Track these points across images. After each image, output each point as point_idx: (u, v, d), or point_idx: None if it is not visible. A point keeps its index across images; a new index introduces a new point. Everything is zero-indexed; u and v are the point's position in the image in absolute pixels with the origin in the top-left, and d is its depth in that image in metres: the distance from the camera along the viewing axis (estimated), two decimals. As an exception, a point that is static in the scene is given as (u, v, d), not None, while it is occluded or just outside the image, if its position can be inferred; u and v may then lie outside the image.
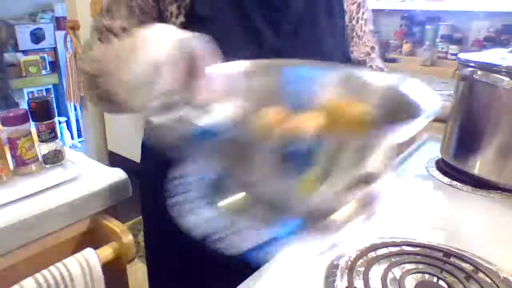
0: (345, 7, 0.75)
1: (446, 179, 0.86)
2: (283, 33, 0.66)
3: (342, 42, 0.75)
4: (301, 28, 0.68)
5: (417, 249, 0.59)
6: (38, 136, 0.84)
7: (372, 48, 0.81)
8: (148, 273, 0.88)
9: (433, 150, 0.99)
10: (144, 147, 0.82)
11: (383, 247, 0.59)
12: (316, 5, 0.70)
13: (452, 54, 2.10)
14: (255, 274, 0.57)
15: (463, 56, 0.91)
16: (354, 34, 0.79)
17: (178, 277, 0.78)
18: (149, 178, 0.78)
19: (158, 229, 0.79)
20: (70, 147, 3.45)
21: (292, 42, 0.67)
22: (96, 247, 0.76)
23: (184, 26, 0.62)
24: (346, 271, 0.54)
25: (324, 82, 0.48)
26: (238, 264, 0.59)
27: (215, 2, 0.63)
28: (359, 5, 0.78)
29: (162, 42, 0.45)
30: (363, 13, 0.80)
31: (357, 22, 0.79)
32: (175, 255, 0.76)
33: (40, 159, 0.85)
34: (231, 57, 0.62)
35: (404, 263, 0.55)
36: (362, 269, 0.54)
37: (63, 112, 3.63)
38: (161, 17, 0.64)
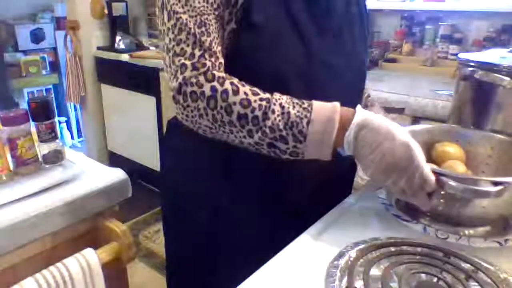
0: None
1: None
2: (327, 36, 0.69)
3: (367, 45, 0.81)
4: (342, 30, 0.72)
5: (417, 249, 0.59)
6: (38, 136, 0.84)
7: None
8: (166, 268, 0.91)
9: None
10: (165, 151, 0.85)
11: (383, 247, 0.59)
12: (352, 13, 0.74)
13: (452, 54, 2.10)
14: (256, 274, 0.57)
15: (463, 56, 0.91)
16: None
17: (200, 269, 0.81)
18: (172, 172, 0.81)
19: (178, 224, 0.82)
20: (70, 147, 3.45)
21: (334, 44, 0.71)
22: (96, 247, 0.76)
23: (235, 32, 0.64)
24: (346, 271, 0.54)
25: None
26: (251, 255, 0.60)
27: (267, 9, 0.64)
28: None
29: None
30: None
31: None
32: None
33: (40, 159, 0.85)
34: (280, 60, 0.65)
35: (404, 263, 0.55)
36: (362, 269, 0.54)
37: (63, 112, 3.64)
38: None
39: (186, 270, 0.84)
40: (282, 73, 0.65)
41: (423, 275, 0.54)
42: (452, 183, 0.59)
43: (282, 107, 0.59)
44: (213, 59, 0.62)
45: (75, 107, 3.46)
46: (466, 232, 0.65)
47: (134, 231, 2.25)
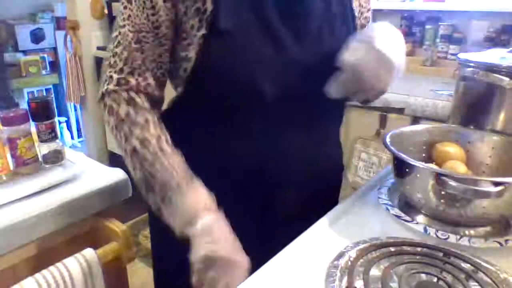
0: (356, 13, 0.77)
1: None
2: (305, 38, 0.67)
3: None
4: (322, 32, 0.69)
5: (417, 249, 0.59)
6: (38, 136, 0.84)
7: None
8: (153, 270, 0.89)
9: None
10: None
11: (383, 247, 0.59)
12: (333, 13, 0.71)
13: (452, 54, 2.10)
14: (256, 274, 0.57)
15: (463, 56, 0.91)
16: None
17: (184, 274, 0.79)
18: None
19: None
20: (70, 147, 3.45)
21: (313, 47, 0.68)
22: (96, 247, 0.76)
23: (206, 38, 0.63)
24: (346, 271, 0.54)
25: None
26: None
27: (239, 14, 0.63)
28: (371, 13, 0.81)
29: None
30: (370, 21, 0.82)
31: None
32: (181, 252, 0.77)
33: (40, 159, 0.85)
34: (253, 66, 0.63)
35: (404, 263, 0.55)
36: (362, 269, 0.54)
37: (63, 112, 3.64)
38: (177, 33, 0.65)
39: (172, 269, 0.83)
40: (255, 79, 0.64)
41: (423, 275, 0.54)
42: (452, 183, 0.59)
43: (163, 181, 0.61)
44: (140, 79, 0.64)
45: (75, 107, 3.45)
46: (467, 232, 0.65)
47: (134, 231, 2.25)
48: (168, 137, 0.64)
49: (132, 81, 0.64)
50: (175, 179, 0.61)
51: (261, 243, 0.67)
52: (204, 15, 0.63)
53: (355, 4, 0.76)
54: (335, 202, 0.88)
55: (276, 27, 0.65)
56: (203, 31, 0.63)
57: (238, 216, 0.65)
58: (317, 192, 0.78)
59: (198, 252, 0.58)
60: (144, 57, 0.64)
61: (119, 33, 0.64)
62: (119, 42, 0.64)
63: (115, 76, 0.64)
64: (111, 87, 0.64)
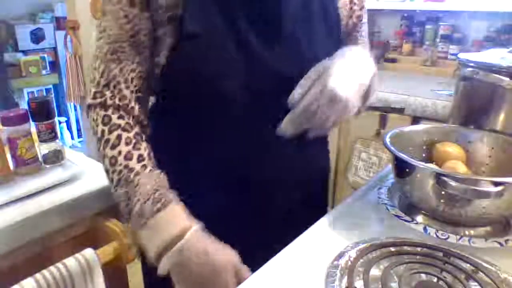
0: (343, 13, 0.74)
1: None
2: (277, 43, 0.65)
3: (338, 45, 0.72)
4: (296, 35, 0.67)
5: (417, 249, 0.59)
6: (38, 136, 0.84)
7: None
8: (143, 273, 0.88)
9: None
10: None
11: (383, 247, 0.59)
12: (311, 16, 0.69)
13: (452, 54, 2.10)
14: (256, 273, 0.57)
15: (463, 56, 0.91)
16: (357, 42, 0.79)
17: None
18: None
19: None
20: (70, 147, 3.45)
21: (287, 55, 0.66)
22: (96, 247, 0.76)
23: (174, 42, 0.63)
24: (346, 271, 0.54)
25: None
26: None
27: (206, 18, 0.62)
28: (364, 11, 0.79)
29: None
30: (364, 20, 0.79)
31: (360, 28, 0.79)
32: None
33: (40, 159, 0.85)
34: (220, 72, 0.63)
35: (404, 263, 0.55)
36: (362, 269, 0.54)
37: (63, 112, 3.63)
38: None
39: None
40: (223, 85, 0.64)
41: (423, 275, 0.54)
42: (452, 183, 0.59)
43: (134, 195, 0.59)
44: (115, 91, 0.63)
45: (75, 107, 3.45)
46: (467, 232, 0.65)
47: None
48: (143, 152, 0.62)
49: (107, 93, 0.63)
50: (139, 201, 0.59)
51: (258, 243, 0.67)
52: (176, 22, 0.62)
53: (341, 3, 0.74)
54: (324, 203, 0.88)
55: (245, 32, 0.63)
56: (174, 36, 0.63)
57: (230, 217, 0.65)
58: (304, 192, 0.77)
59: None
60: (121, 67, 0.63)
61: (96, 47, 0.64)
62: (96, 56, 0.64)
63: (93, 90, 0.64)
64: (91, 101, 0.64)
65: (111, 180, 0.61)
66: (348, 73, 0.61)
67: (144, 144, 0.63)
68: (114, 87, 0.63)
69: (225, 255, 0.59)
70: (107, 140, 0.61)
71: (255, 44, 0.64)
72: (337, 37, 0.74)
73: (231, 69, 0.64)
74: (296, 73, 0.62)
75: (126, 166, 0.60)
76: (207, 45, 0.62)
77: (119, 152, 0.60)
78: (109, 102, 0.63)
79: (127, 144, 0.61)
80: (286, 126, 0.61)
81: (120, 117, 0.63)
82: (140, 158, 0.61)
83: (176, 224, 0.58)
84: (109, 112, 0.63)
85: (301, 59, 0.65)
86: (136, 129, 0.64)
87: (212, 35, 0.62)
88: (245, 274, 0.58)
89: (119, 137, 0.61)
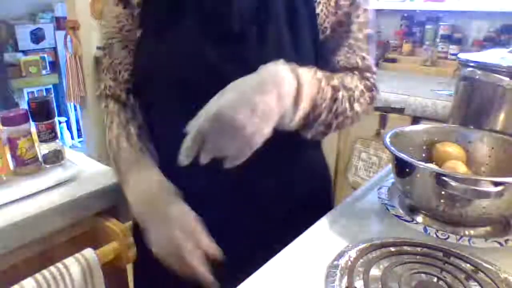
0: (323, 10, 0.68)
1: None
2: (226, 45, 0.63)
3: (309, 62, 0.65)
4: (248, 35, 0.64)
5: (417, 249, 0.59)
6: (38, 136, 0.84)
7: (363, 58, 0.71)
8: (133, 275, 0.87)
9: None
10: None
11: (383, 247, 0.59)
12: (271, 16, 0.64)
13: (452, 54, 2.10)
14: (256, 273, 0.57)
15: (463, 56, 0.91)
16: (345, 42, 0.71)
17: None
18: None
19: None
20: (70, 147, 3.45)
21: (236, 55, 0.63)
22: (96, 247, 0.76)
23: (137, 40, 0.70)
24: (346, 271, 0.54)
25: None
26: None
27: (157, 16, 0.67)
28: (356, 7, 0.69)
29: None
30: (357, 16, 0.70)
31: (349, 26, 0.70)
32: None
33: (40, 159, 0.85)
34: (183, 83, 0.65)
35: (404, 263, 0.55)
36: (362, 269, 0.54)
37: (63, 112, 3.64)
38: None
39: (152, 270, 0.77)
40: (169, 82, 0.67)
41: (423, 275, 0.54)
42: (453, 183, 0.59)
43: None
44: (106, 82, 0.74)
45: (75, 107, 3.45)
46: (467, 232, 0.65)
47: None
48: (132, 131, 0.72)
49: (101, 85, 0.75)
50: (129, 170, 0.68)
51: (258, 243, 0.66)
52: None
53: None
54: (326, 204, 0.87)
55: (193, 30, 0.63)
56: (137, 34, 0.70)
57: (230, 217, 0.65)
58: (304, 193, 0.77)
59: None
60: (111, 61, 0.73)
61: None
62: (104, 54, 0.75)
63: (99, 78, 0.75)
64: (97, 93, 0.77)
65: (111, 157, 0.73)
66: (241, 92, 0.53)
67: (132, 128, 0.72)
68: (106, 79, 0.74)
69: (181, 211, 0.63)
70: (107, 126, 0.74)
71: (202, 42, 0.63)
72: (309, 37, 0.68)
73: (175, 67, 0.66)
74: (240, 75, 0.56)
75: (117, 146, 0.71)
76: (153, 42, 0.67)
77: (113, 136, 0.72)
78: (103, 93, 0.75)
79: (118, 127, 0.72)
80: (182, 157, 0.55)
81: (115, 103, 0.74)
82: (130, 136, 0.71)
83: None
84: (109, 101, 0.75)
85: (251, 60, 0.60)
86: (127, 114, 0.74)
87: (159, 33, 0.67)
88: (203, 241, 0.60)
89: (112, 122, 0.73)
